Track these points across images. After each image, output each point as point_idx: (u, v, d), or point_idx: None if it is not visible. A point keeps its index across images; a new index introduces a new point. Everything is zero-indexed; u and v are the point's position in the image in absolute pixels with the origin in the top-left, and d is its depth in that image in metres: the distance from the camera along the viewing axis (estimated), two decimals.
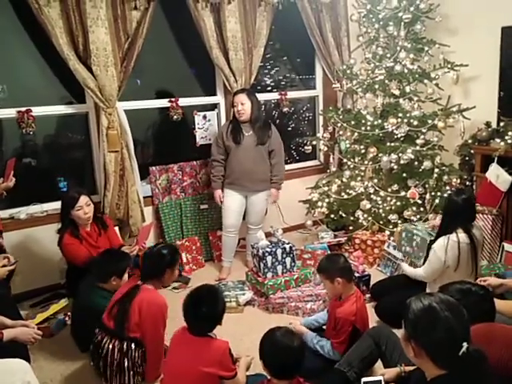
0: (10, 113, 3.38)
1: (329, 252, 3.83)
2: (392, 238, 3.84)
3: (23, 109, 3.38)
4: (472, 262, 2.73)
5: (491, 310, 1.88)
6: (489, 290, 2.07)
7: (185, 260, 3.97)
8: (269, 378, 1.95)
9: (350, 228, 4.26)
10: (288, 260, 3.38)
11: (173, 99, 3.99)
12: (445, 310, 1.44)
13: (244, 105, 3.61)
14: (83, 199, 3.08)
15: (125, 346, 2.39)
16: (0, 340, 2.05)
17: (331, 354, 2.45)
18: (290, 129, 5.04)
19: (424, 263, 2.92)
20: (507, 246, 3.62)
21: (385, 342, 2.30)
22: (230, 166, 3.72)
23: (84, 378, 2.60)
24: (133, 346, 2.40)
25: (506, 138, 3.68)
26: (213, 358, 2.05)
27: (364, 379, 1.86)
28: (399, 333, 1.65)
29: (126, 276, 2.85)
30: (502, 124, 3.82)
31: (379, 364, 2.38)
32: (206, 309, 2.09)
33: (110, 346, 2.39)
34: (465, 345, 1.40)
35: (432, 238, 2.97)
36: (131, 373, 2.40)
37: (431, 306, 1.46)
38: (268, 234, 3.64)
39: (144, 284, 2.48)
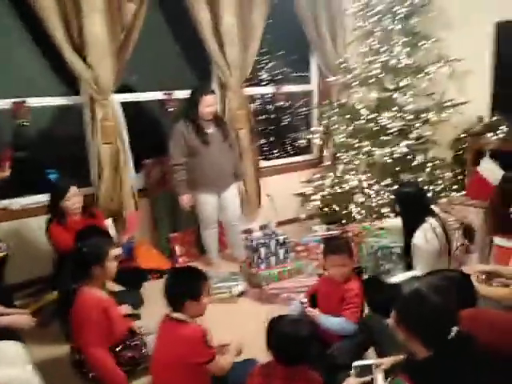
0: (5, 104, 3.37)
1: (322, 245, 3.83)
2: None
3: (18, 100, 3.38)
4: (447, 245, 2.78)
5: (473, 297, 1.92)
6: (469, 277, 2.08)
7: (178, 252, 3.98)
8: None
9: (343, 221, 4.28)
10: (281, 251, 3.41)
11: (168, 92, 3.99)
12: (434, 295, 1.46)
13: (215, 106, 3.61)
14: (72, 190, 3.10)
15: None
16: None
17: (346, 326, 2.37)
18: (285, 123, 5.07)
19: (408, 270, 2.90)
20: (497, 240, 3.64)
21: (377, 330, 2.32)
22: (200, 168, 3.55)
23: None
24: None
25: (498, 132, 3.72)
26: (185, 345, 2.00)
27: (355, 363, 1.88)
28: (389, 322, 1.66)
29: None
30: (494, 118, 3.86)
31: (372, 350, 2.40)
32: (175, 280, 2.11)
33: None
34: (454, 329, 1.43)
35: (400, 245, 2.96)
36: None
37: (420, 290, 1.49)
38: (262, 227, 3.65)
39: (81, 287, 2.34)
